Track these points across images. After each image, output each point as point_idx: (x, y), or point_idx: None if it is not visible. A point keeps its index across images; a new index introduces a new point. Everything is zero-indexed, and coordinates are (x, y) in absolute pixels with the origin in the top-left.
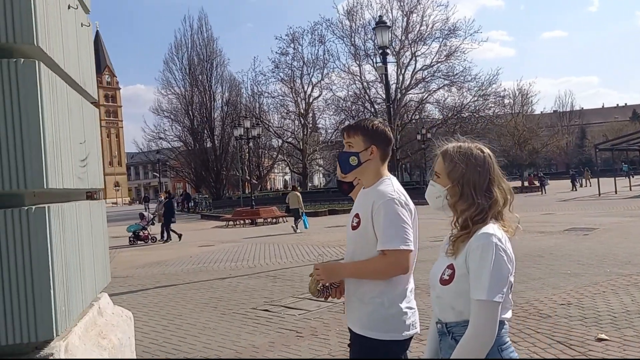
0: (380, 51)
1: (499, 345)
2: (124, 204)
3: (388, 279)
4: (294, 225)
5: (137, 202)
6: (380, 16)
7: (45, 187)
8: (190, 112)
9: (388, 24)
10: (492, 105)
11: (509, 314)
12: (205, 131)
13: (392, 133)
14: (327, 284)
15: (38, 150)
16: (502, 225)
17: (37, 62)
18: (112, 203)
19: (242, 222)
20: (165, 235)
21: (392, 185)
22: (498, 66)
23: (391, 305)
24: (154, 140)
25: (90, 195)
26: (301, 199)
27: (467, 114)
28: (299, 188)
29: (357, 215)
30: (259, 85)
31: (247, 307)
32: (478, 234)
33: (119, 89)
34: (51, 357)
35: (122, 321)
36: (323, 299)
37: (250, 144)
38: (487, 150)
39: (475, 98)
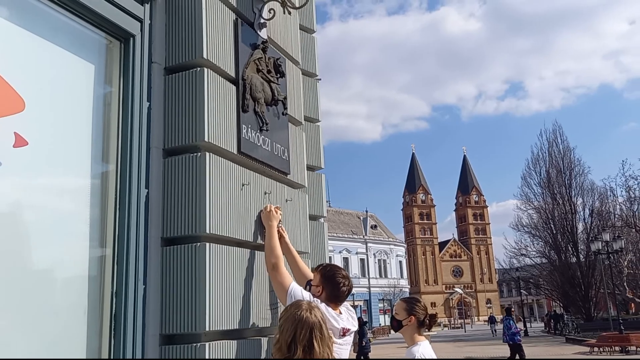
0: None
1: None
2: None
3: None
4: None
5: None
6: None
7: (207, 329)
8: (551, 226)
9: None
10: None
11: None
12: (569, 246)
13: None
14: None
15: (203, 307)
16: None
17: (207, 244)
18: (484, 321)
19: (609, 349)
20: None
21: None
22: None
23: None
24: (515, 257)
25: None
26: None
27: None
28: None
29: None
30: (631, 191)
31: None
32: None
33: (486, 207)
34: None
35: None
36: None
37: (630, 257)
38: (305, 314)
39: None
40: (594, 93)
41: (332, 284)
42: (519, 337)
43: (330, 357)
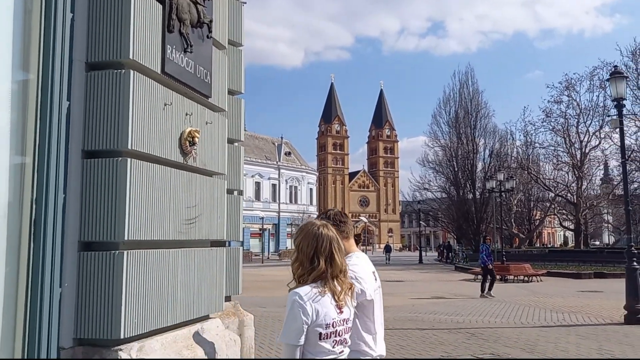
0: (615, 103)
1: None
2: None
3: None
4: None
5: (407, 249)
6: (615, 66)
7: (125, 239)
8: (454, 163)
9: (625, 73)
10: None
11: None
12: (468, 183)
13: None
14: None
15: (122, 217)
16: (327, 287)
17: (128, 159)
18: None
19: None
20: None
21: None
22: None
23: None
24: (418, 191)
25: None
26: None
27: None
28: None
29: None
30: (528, 136)
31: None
32: (290, 291)
33: (397, 141)
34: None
35: (221, 340)
36: None
37: (520, 196)
38: (323, 230)
39: None
40: (509, 39)
41: (342, 222)
42: (489, 262)
43: (348, 268)
